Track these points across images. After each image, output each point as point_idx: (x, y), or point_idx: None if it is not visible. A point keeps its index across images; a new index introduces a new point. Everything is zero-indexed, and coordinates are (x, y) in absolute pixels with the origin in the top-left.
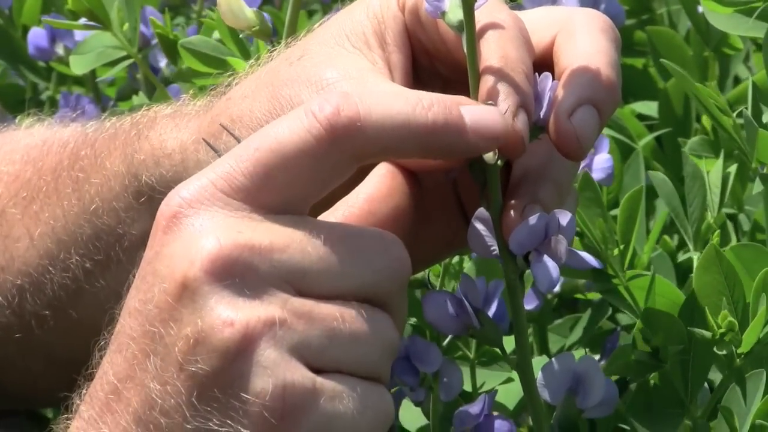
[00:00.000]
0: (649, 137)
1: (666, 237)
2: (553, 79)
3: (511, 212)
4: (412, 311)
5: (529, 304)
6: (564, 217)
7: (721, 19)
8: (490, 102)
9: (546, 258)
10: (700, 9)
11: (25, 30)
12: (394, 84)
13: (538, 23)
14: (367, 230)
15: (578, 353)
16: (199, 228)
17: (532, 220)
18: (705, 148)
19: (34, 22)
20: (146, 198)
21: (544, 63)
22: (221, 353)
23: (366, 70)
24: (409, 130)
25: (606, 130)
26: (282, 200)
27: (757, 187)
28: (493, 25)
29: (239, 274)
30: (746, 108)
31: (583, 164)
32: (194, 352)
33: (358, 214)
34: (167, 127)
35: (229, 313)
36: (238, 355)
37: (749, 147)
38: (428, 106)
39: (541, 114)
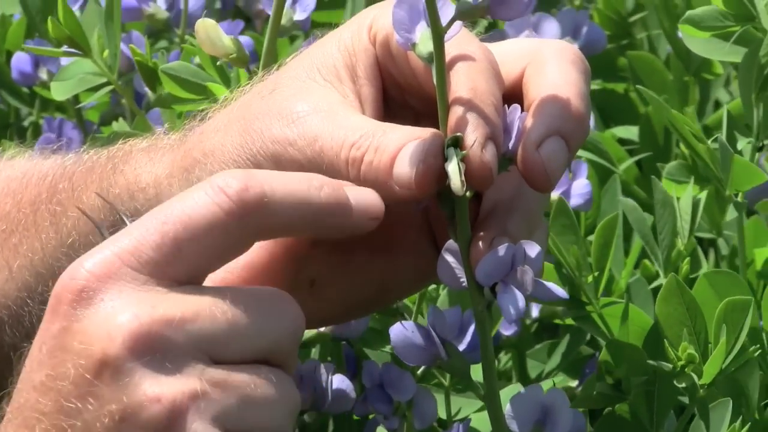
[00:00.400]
0: (629, 161)
1: (646, 261)
2: (523, 110)
3: (480, 244)
4: (387, 339)
5: (507, 330)
6: (531, 249)
7: (699, 43)
8: (458, 134)
9: (512, 289)
10: (680, 34)
11: (9, 55)
12: (363, 117)
13: (508, 55)
14: (265, 291)
15: (557, 378)
16: (111, 304)
17: (500, 251)
18: (683, 173)
19: (18, 47)
20: None
21: (514, 95)
22: (150, 429)
23: (336, 103)
24: (306, 208)
25: (586, 154)
26: (186, 272)
27: (732, 213)
28: (463, 57)
29: (159, 349)
30: (721, 134)
31: (561, 190)
32: (120, 429)
33: (234, 281)
34: (142, 161)
35: (155, 389)
36: (167, 430)
37: (724, 174)
38: (319, 186)
39: (510, 145)
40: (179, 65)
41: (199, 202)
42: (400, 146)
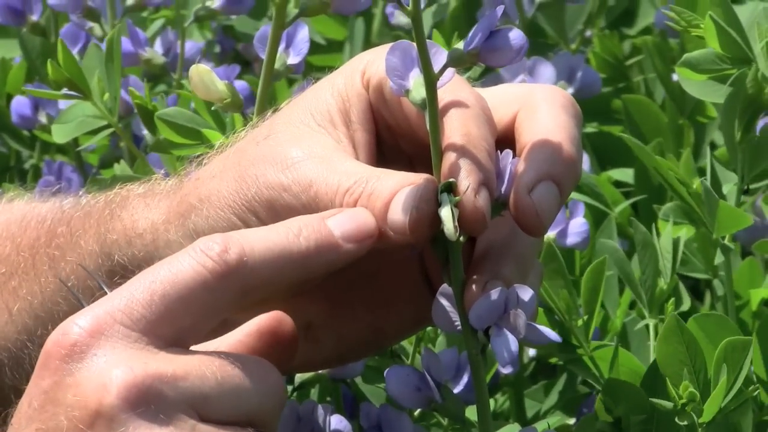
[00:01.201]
0: (625, 204)
1: None
2: (515, 155)
3: (473, 287)
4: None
5: (506, 369)
6: (524, 292)
7: (695, 86)
8: (452, 179)
9: (505, 332)
10: (675, 77)
11: (9, 98)
12: (356, 162)
13: (500, 100)
14: (250, 358)
15: (554, 418)
16: (105, 359)
17: (492, 295)
18: (678, 215)
19: (18, 90)
20: (119, 277)
21: (506, 139)
22: None
23: (330, 149)
24: (287, 259)
25: (582, 197)
26: (175, 332)
27: (719, 257)
28: (456, 104)
29: (152, 402)
30: (705, 179)
31: (558, 229)
32: None
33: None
34: (139, 207)
35: None
36: None
37: (710, 218)
38: (297, 232)
39: (503, 190)
40: (175, 111)
41: (184, 264)
42: (393, 192)
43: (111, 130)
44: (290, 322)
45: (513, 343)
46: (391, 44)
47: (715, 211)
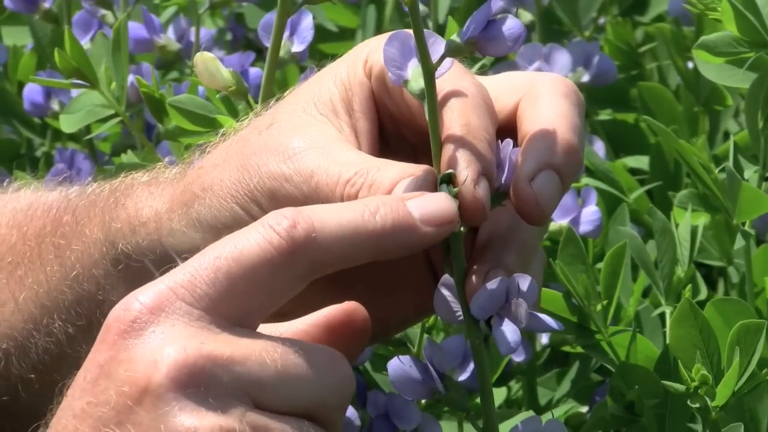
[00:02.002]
0: (640, 190)
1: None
2: (517, 144)
3: (474, 277)
4: None
5: (518, 357)
6: (524, 281)
7: (712, 69)
8: (451, 170)
9: (507, 322)
10: (690, 64)
11: (21, 86)
12: (358, 152)
13: (502, 89)
14: (319, 347)
15: (567, 405)
16: (162, 336)
17: (492, 284)
18: (694, 201)
19: (29, 78)
20: (123, 266)
21: (508, 128)
22: None
23: (332, 139)
24: (361, 237)
25: (597, 183)
26: (240, 311)
27: (740, 242)
28: (456, 93)
29: (203, 384)
30: (728, 164)
31: (570, 217)
32: None
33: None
34: (143, 195)
35: (192, 421)
36: None
37: (731, 203)
38: (374, 210)
39: (503, 180)
40: (186, 98)
41: (250, 240)
42: (393, 183)
43: (119, 119)
44: (363, 312)
45: (515, 332)
46: (389, 34)
47: (736, 196)
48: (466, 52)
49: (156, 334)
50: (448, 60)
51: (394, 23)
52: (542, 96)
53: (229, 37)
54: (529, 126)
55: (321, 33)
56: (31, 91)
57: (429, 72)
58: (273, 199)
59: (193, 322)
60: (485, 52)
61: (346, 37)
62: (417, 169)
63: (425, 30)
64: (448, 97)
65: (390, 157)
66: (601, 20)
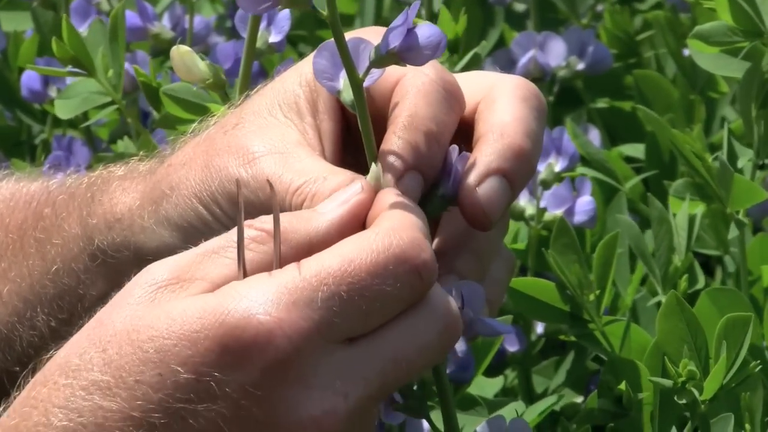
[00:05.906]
0: (635, 179)
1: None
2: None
3: None
4: None
5: (512, 347)
6: (468, 289)
7: (707, 58)
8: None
9: None
10: (686, 52)
11: (21, 72)
12: (314, 159)
13: (466, 89)
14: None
15: (562, 393)
16: (319, 382)
17: None
18: (689, 191)
19: (28, 65)
20: (100, 261)
21: (469, 130)
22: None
23: (292, 144)
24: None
25: (592, 172)
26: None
27: (734, 231)
28: (412, 82)
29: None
30: (721, 153)
31: (565, 207)
32: None
33: None
34: (117, 191)
35: None
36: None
37: (724, 192)
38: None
39: (449, 185)
40: (180, 86)
41: None
42: (332, 194)
43: (115, 106)
44: None
45: (460, 342)
46: (320, 45)
47: (729, 185)
48: (391, 63)
49: (312, 381)
50: (377, 70)
51: (393, 11)
52: (500, 99)
53: (229, 23)
54: (483, 129)
55: (319, 20)
56: (29, 78)
57: (356, 84)
58: (232, 202)
59: (331, 358)
60: (407, 62)
61: (345, 24)
62: (362, 179)
63: (354, 38)
64: (404, 85)
65: (359, 157)
66: (599, 7)
